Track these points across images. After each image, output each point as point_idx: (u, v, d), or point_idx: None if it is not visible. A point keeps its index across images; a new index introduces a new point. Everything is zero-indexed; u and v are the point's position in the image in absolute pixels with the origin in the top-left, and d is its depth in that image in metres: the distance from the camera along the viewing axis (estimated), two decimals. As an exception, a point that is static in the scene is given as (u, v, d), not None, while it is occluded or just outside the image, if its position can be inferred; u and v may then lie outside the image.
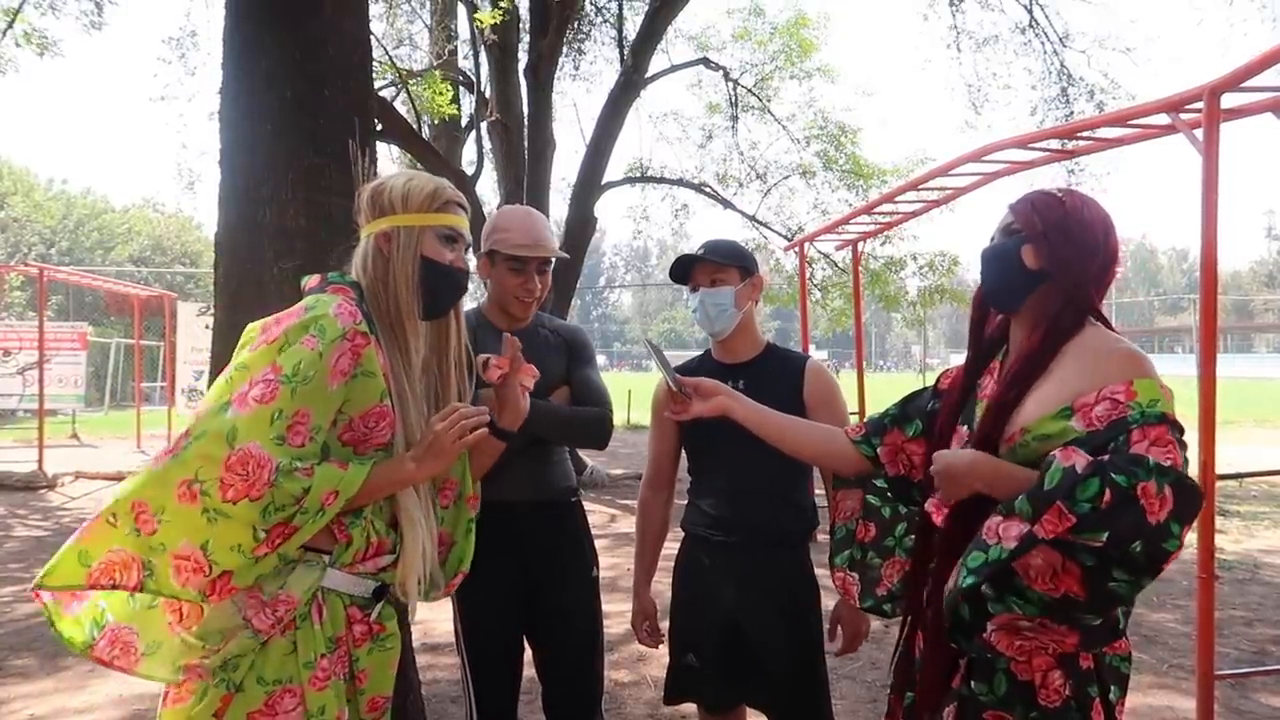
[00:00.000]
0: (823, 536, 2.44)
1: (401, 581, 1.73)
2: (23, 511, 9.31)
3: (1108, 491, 1.35)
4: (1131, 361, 1.54)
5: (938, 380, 1.93)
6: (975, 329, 1.82)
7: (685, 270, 2.47)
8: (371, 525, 1.69)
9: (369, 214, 1.82)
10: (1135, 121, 4.35)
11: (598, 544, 2.68)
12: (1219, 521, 7.95)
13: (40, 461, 11.16)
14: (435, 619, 4.98)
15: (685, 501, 2.55)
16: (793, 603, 2.39)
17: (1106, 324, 1.65)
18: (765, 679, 2.36)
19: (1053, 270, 1.64)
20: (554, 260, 2.58)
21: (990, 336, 1.80)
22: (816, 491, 2.42)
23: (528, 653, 2.58)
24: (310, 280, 1.78)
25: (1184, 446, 1.47)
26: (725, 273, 2.43)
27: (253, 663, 1.56)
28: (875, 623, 5.00)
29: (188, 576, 1.45)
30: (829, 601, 2.40)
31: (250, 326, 1.64)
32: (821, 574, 2.40)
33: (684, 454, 2.57)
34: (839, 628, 2.42)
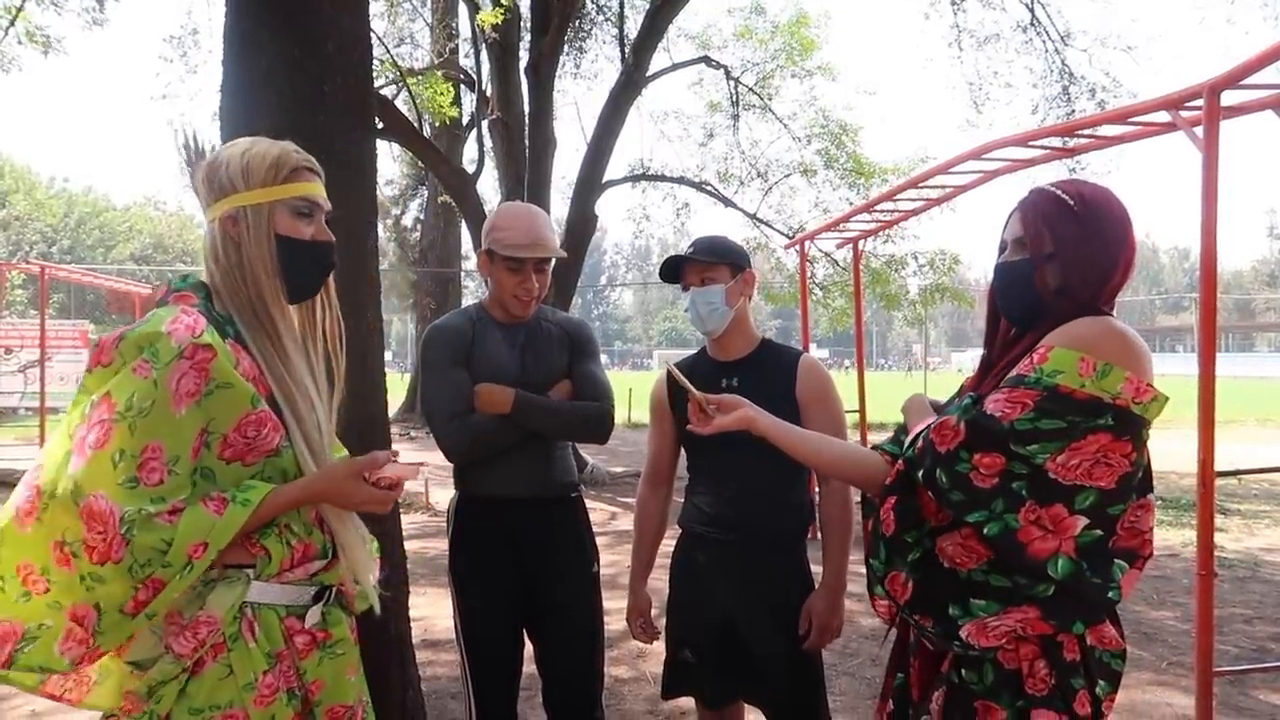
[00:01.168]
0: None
1: (345, 581, 1.61)
2: (24, 509, 9.31)
3: (919, 437, 1.59)
4: (1079, 332, 1.53)
5: (964, 382, 1.93)
6: (990, 331, 1.80)
7: (675, 270, 2.47)
8: (289, 531, 1.54)
9: (208, 196, 1.60)
10: (1136, 119, 4.35)
11: (597, 541, 2.69)
12: (1219, 520, 7.94)
13: (42, 459, 11.17)
14: (435, 615, 4.98)
15: (683, 499, 2.55)
16: (788, 601, 2.38)
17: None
18: (760, 676, 2.36)
19: (1069, 289, 1.62)
20: (554, 258, 2.58)
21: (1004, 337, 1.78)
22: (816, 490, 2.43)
23: (529, 648, 2.59)
24: (160, 290, 1.63)
25: (1134, 440, 1.48)
26: (715, 270, 2.41)
27: (183, 690, 1.44)
28: (873, 620, 5.01)
29: (71, 645, 1.35)
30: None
31: (94, 341, 1.53)
32: (817, 572, 2.40)
33: (683, 452, 2.57)
34: (810, 619, 2.35)
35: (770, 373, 2.43)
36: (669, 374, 2.15)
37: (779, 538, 2.41)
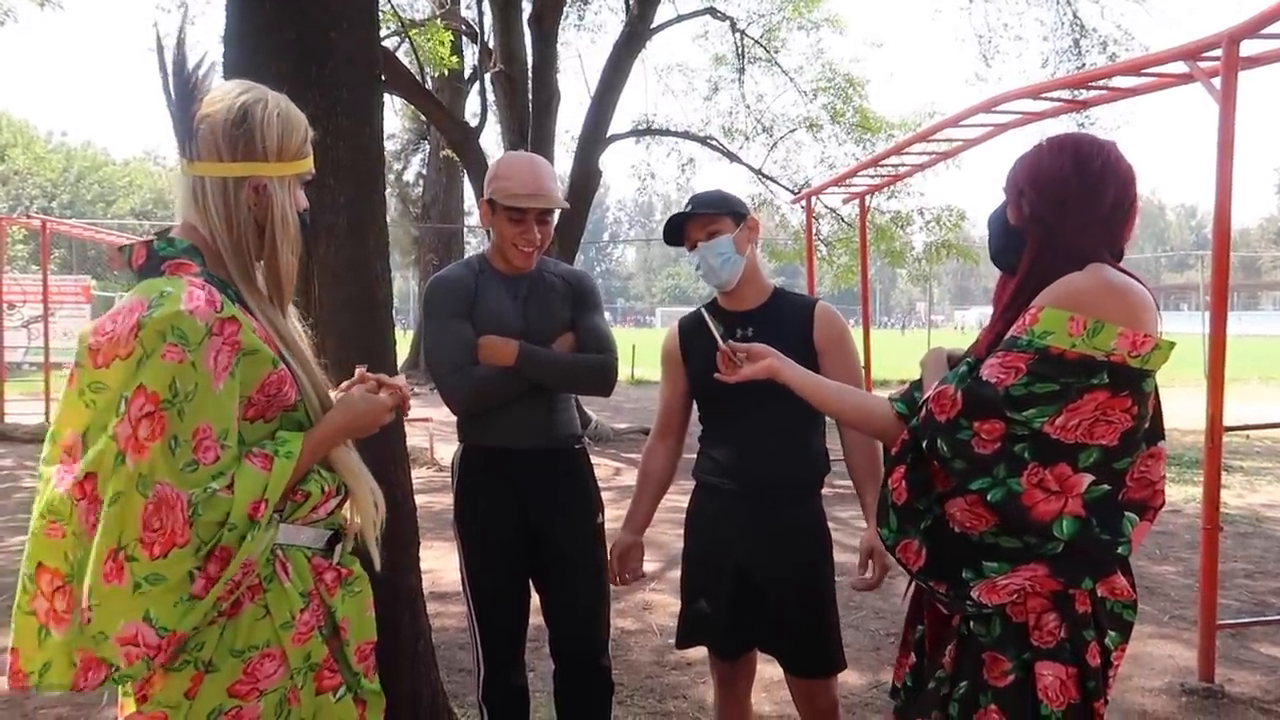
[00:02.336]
0: (840, 483, 2.45)
1: (359, 529, 1.65)
2: (30, 463, 9.37)
3: (923, 407, 1.61)
4: (1069, 289, 1.52)
5: (979, 336, 1.92)
6: (999, 287, 1.79)
7: (678, 230, 2.44)
8: (320, 475, 1.58)
9: (225, 150, 1.49)
10: (1150, 70, 4.29)
11: (602, 496, 2.69)
12: (1223, 476, 7.99)
13: (47, 414, 11.24)
14: (442, 568, 5.03)
15: (696, 453, 2.55)
16: (802, 552, 2.39)
17: (1120, 269, 1.60)
18: (775, 627, 2.38)
19: (1027, 226, 1.62)
20: (556, 209, 2.55)
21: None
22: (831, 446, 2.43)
23: (535, 599, 2.61)
24: (136, 253, 1.51)
25: (1133, 394, 1.47)
26: (718, 222, 2.39)
27: (221, 634, 1.45)
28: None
29: (140, 650, 1.36)
30: (841, 552, 2.40)
31: (82, 332, 1.44)
32: (833, 524, 2.40)
33: (695, 405, 2.57)
34: (870, 560, 2.35)
35: (786, 320, 2.42)
36: (700, 321, 2.15)
37: (794, 487, 2.41)
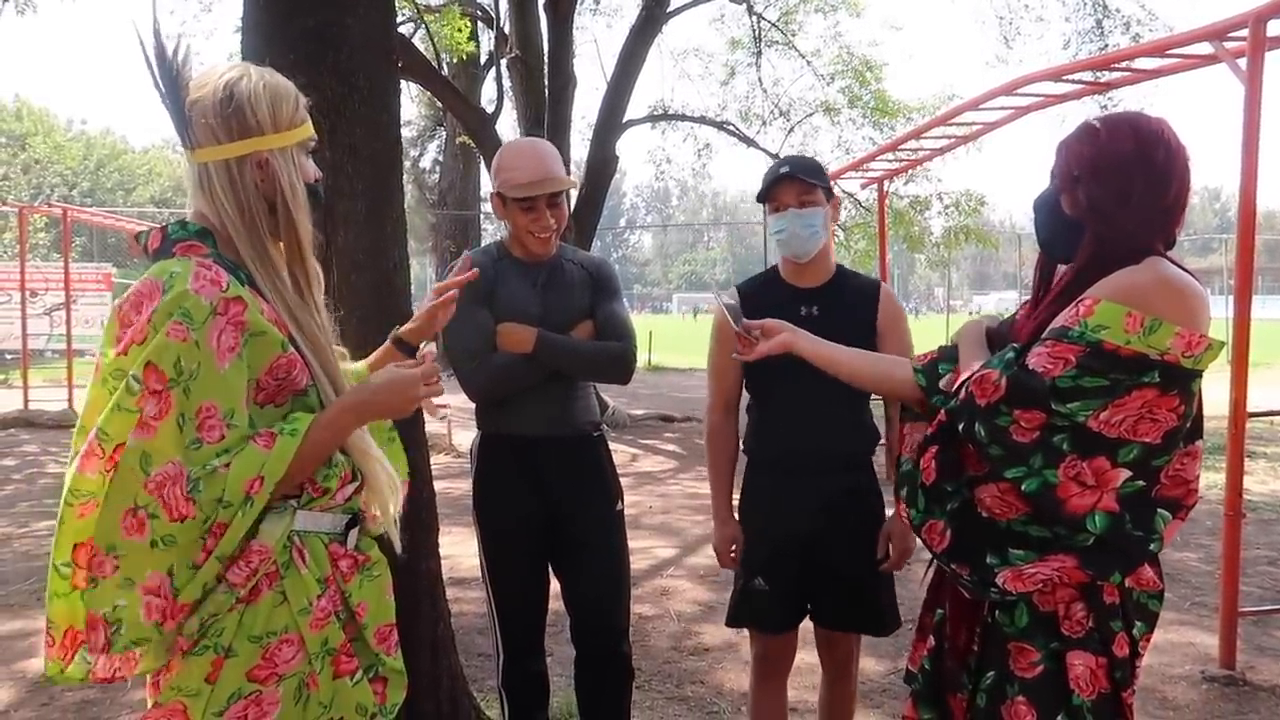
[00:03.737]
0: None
1: (373, 514, 1.65)
2: (54, 449, 9.49)
3: (962, 389, 1.57)
4: (1127, 282, 1.48)
5: (1018, 312, 1.89)
6: (1039, 270, 1.75)
7: (769, 188, 2.39)
8: (336, 462, 1.57)
9: (220, 133, 1.49)
10: (1175, 51, 4.23)
11: (620, 484, 2.69)
12: (1246, 462, 7.91)
13: (70, 400, 11.36)
14: (460, 554, 5.05)
15: (746, 430, 2.52)
16: (860, 523, 2.41)
17: (1172, 260, 1.55)
18: (836, 600, 2.40)
19: (1087, 218, 1.57)
20: (567, 189, 2.53)
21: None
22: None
23: (554, 585, 2.61)
24: (151, 237, 1.54)
25: (1181, 394, 1.45)
26: (815, 194, 2.35)
27: (239, 620, 1.46)
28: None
29: (154, 612, 1.37)
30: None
31: (107, 324, 1.46)
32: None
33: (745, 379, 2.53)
34: (889, 543, 2.39)
35: (851, 299, 2.41)
36: (716, 291, 2.14)
37: (851, 457, 2.43)
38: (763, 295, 2.42)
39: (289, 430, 1.47)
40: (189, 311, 1.39)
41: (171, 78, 1.48)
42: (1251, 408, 3.73)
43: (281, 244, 1.58)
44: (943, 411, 1.62)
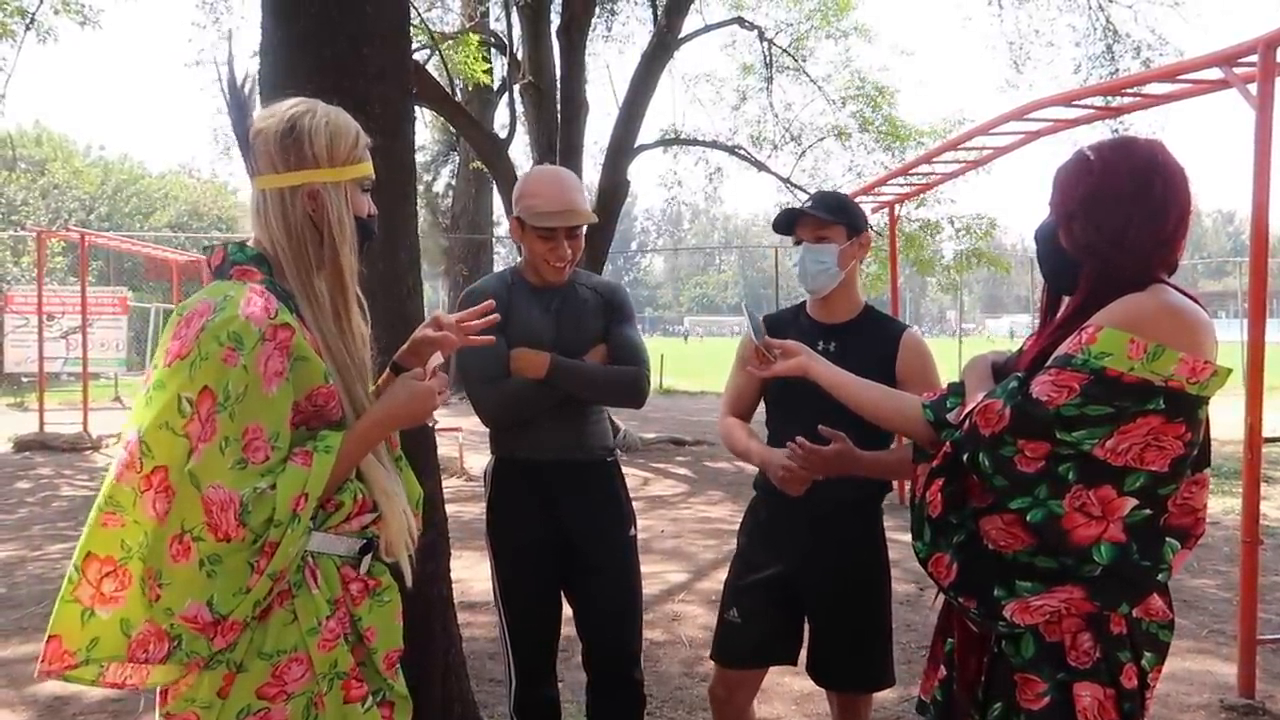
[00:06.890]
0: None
1: (388, 543, 1.66)
2: (69, 472, 9.54)
3: (966, 420, 1.56)
4: (1130, 310, 1.47)
5: (1024, 344, 1.89)
6: (1045, 297, 1.75)
7: (789, 222, 2.40)
8: (355, 485, 1.62)
9: (279, 163, 1.57)
10: (1185, 76, 4.24)
11: (633, 508, 2.69)
12: (1262, 488, 7.83)
13: (85, 423, 11.43)
14: (472, 578, 5.04)
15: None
16: (857, 568, 2.36)
17: (1176, 288, 1.54)
18: (817, 644, 2.36)
19: (1083, 256, 1.56)
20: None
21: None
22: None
23: (567, 610, 2.61)
24: (214, 254, 1.61)
25: (1187, 421, 1.43)
26: (830, 229, 2.33)
27: (251, 638, 1.49)
28: (908, 585, 5.00)
29: (197, 632, 1.43)
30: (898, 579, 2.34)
31: (163, 336, 1.52)
32: (892, 540, 2.36)
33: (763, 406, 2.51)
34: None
35: (871, 342, 2.36)
36: (744, 307, 2.14)
37: (853, 501, 2.36)
38: (786, 327, 2.41)
39: (324, 447, 1.53)
40: (240, 336, 1.45)
41: (240, 106, 1.57)
42: (1267, 433, 3.71)
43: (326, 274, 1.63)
44: (948, 443, 1.61)
